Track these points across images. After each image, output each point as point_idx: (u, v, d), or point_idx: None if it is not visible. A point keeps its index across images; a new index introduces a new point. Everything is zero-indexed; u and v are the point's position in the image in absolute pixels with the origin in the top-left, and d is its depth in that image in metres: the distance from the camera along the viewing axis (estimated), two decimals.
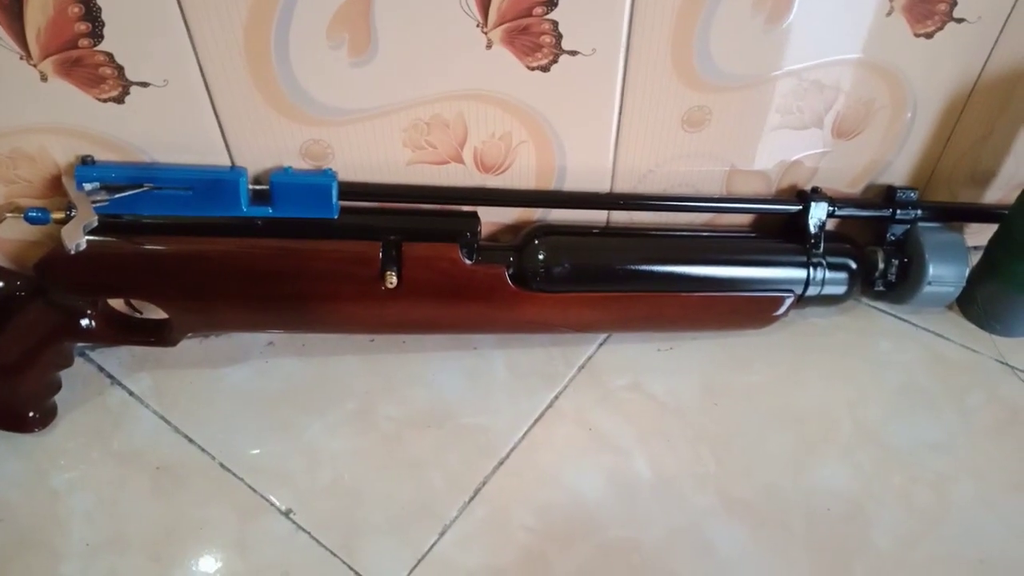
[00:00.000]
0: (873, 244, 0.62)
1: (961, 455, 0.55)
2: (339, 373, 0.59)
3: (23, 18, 0.43)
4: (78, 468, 0.53)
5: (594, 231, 0.60)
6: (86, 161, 0.50)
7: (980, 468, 0.54)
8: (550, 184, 0.57)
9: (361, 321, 0.56)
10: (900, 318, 0.64)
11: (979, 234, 0.63)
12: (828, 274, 0.59)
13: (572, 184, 0.57)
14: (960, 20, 0.53)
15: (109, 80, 0.47)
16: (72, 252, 0.45)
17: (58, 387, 0.55)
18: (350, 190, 0.53)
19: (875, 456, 0.54)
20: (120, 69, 0.46)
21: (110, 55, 0.46)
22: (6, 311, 0.52)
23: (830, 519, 0.51)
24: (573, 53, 0.50)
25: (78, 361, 0.57)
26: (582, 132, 0.54)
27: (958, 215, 0.63)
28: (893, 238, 0.61)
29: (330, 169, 0.53)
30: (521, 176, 0.56)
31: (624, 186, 0.58)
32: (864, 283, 0.62)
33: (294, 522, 0.50)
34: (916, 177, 0.63)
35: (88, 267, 0.50)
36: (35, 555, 0.48)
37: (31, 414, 0.54)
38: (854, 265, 0.60)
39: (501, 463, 0.54)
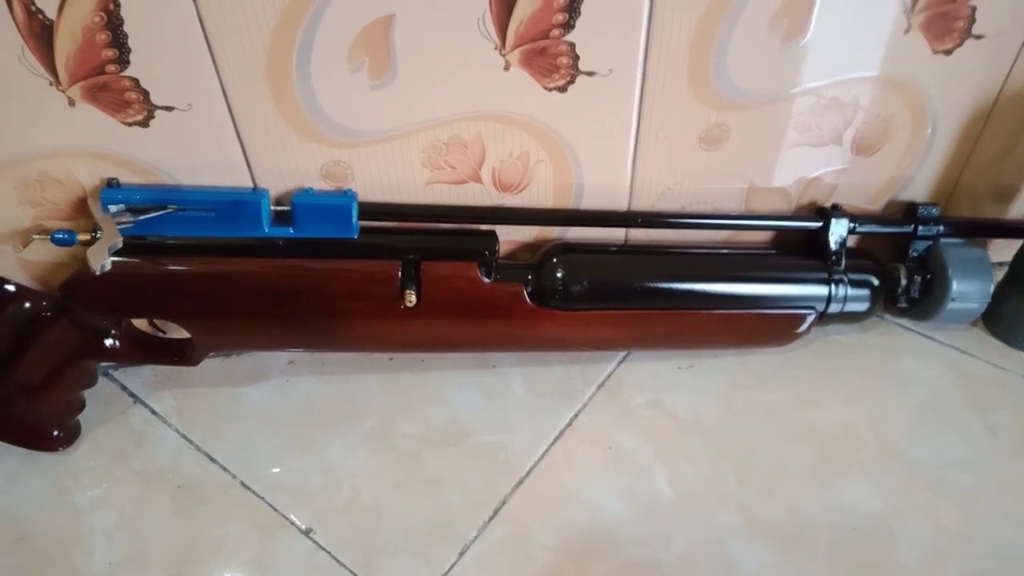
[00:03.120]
0: (895, 260, 0.61)
1: (987, 472, 0.54)
2: (359, 391, 0.59)
3: (53, 46, 0.44)
4: (100, 486, 0.53)
5: (612, 249, 0.60)
6: (111, 184, 0.50)
7: (1008, 485, 0.53)
8: (568, 202, 0.58)
9: (381, 339, 0.56)
10: (924, 335, 0.63)
11: (1004, 250, 0.63)
12: (850, 291, 0.58)
13: (590, 202, 0.58)
14: (979, 36, 0.53)
15: (134, 104, 0.48)
16: (97, 273, 0.46)
17: (82, 406, 0.56)
18: (370, 210, 0.53)
19: (900, 473, 0.54)
20: (145, 94, 0.47)
21: (136, 80, 0.47)
22: (32, 331, 0.52)
23: (854, 537, 0.50)
24: (590, 74, 0.50)
25: (101, 380, 0.58)
26: (599, 151, 0.55)
27: (981, 231, 0.63)
28: (916, 254, 0.61)
29: (350, 190, 0.53)
30: (539, 195, 0.57)
31: (642, 204, 0.58)
32: (887, 300, 0.61)
33: (314, 541, 0.50)
34: (938, 193, 0.62)
35: (112, 288, 0.51)
36: (57, 573, 0.49)
37: (55, 433, 0.55)
38: (876, 282, 0.59)
39: (520, 482, 0.53)
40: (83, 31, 0.44)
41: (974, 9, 0.51)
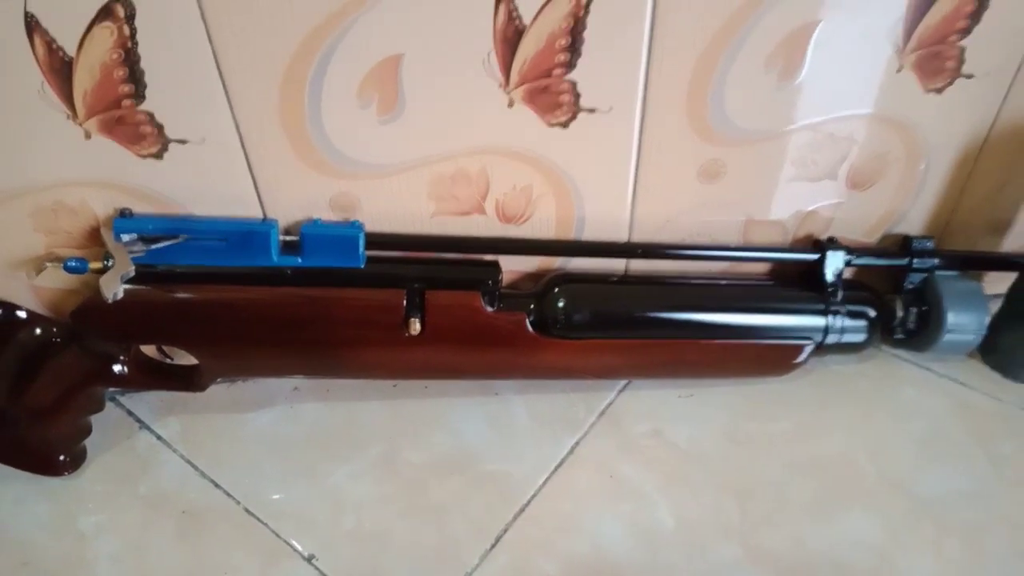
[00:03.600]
0: (892, 292, 0.62)
1: (993, 505, 0.54)
2: (363, 418, 0.59)
3: (72, 81, 0.46)
4: (105, 511, 0.53)
5: (613, 279, 0.61)
6: (124, 214, 0.52)
7: (1013, 518, 0.53)
8: (570, 234, 0.59)
9: (385, 366, 0.57)
10: (922, 366, 0.64)
11: (998, 282, 0.63)
12: (847, 322, 0.59)
13: (591, 234, 0.59)
14: (969, 76, 0.54)
15: (149, 137, 0.49)
16: (110, 301, 0.47)
17: (88, 431, 0.56)
18: (376, 240, 0.54)
19: (902, 506, 0.54)
20: (160, 127, 0.49)
21: (151, 114, 0.48)
22: (42, 357, 0.53)
23: (857, 571, 0.50)
24: (591, 110, 0.51)
25: (109, 406, 0.58)
26: (600, 184, 0.56)
27: (976, 263, 0.63)
28: (911, 286, 0.61)
29: (357, 221, 0.55)
30: (541, 226, 0.58)
31: (642, 235, 0.59)
32: (884, 331, 0.62)
33: (317, 568, 0.50)
34: (932, 226, 0.63)
35: (123, 315, 0.51)
36: None
37: (61, 457, 0.55)
38: (873, 313, 0.60)
39: (522, 510, 0.54)
40: (101, 67, 0.45)
41: (963, 50, 0.53)
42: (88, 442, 0.57)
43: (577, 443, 0.58)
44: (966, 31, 0.52)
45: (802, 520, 0.53)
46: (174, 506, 0.54)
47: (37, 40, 0.44)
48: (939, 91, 0.55)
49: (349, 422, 0.59)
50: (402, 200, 0.55)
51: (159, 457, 0.57)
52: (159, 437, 0.58)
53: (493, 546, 0.51)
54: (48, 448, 0.55)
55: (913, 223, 0.63)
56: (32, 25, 0.43)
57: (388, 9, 0.46)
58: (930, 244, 0.61)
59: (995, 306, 0.62)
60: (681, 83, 0.51)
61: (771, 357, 0.59)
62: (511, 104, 0.50)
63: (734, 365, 0.60)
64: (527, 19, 0.47)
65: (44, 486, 0.55)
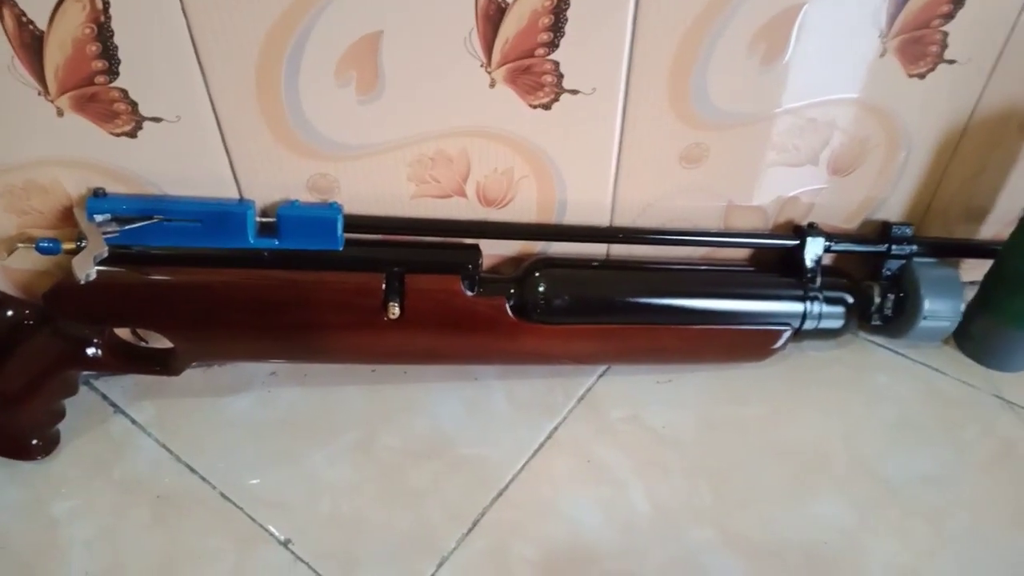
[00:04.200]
0: (869, 279, 0.63)
1: (957, 489, 0.55)
2: (340, 403, 0.59)
3: (43, 56, 0.45)
4: (79, 496, 0.53)
5: (594, 264, 0.61)
6: (98, 193, 0.51)
7: (976, 502, 0.54)
8: (551, 218, 0.58)
9: (364, 351, 0.57)
10: (897, 352, 0.65)
11: (974, 270, 0.64)
12: (825, 308, 0.59)
13: (572, 218, 0.58)
14: (951, 61, 0.54)
15: (123, 115, 0.48)
16: (82, 282, 0.46)
17: (62, 415, 0.56)
18: (355, 223, 0.54)
19: (871, 489, 0.55)
20: (134, 105, 0.48)
21: (125, 91, 0.47)
22: (14, 339, 0.52)
23: (826, 552, 0.51)
24: (574, 92, 0.51)
25: (82, 389, 0.58)
26: (582, 168, 0.56)
27: (953, 251, 0.64)
28: (889, 273, 0.62)
29: (336, 202, 0.54)
30: (522, 210, 0.57)
31: (624, 220, 0.59)
32: (861, 317, 0.63)
33: (293, 552, 0.50)
34: (911, 213, 0.64)
35: (96, 297, 0.51)
36: None
37: (34, 442, 0.54)
38: (851, 299, 0.61)
39: (500, 494, 0.54)
40: (73, 42, 0.44)
41: (946, 35, 0.53)
42: (62, 426, 0.56)
43: (555, 428, 0.58)
44: (949, 16, 0.52)
45: (774, 503, 0.54)
46: (149, 491, 0.53)
47: (6, 13, 0.43)
48: (921, 76, 0.55)
49: (326, 407, 0.59)
50: (381, 182, 0.54)
51: (134, 441, 0.56)
52: (134, 421, 0.58)
53: (470, 530, 0.52)
54: (21, 432, 0.54)
55: (893, 210, 0.63)
56: None
57: None
58: (909, 231, 0.61)
59: (971, 293, 0.63)
60: (665, 64, 0.51)
61: (749, 343, 0.59)
62: (493, 84, 0.50)
63: (713, 350, 0.60)
64: None
65: (16, 470, 0.54)
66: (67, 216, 0.52)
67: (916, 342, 0.63)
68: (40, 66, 0.45)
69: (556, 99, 0.51)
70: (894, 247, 0.61)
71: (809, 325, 0.59)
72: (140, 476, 0.54)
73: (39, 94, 0.46)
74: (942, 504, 0.54)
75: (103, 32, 0.44)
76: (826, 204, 0.61)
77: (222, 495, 0.53)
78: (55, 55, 0.45)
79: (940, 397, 0.61)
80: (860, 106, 0.56)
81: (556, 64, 0.50)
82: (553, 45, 0.49)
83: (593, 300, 0.57)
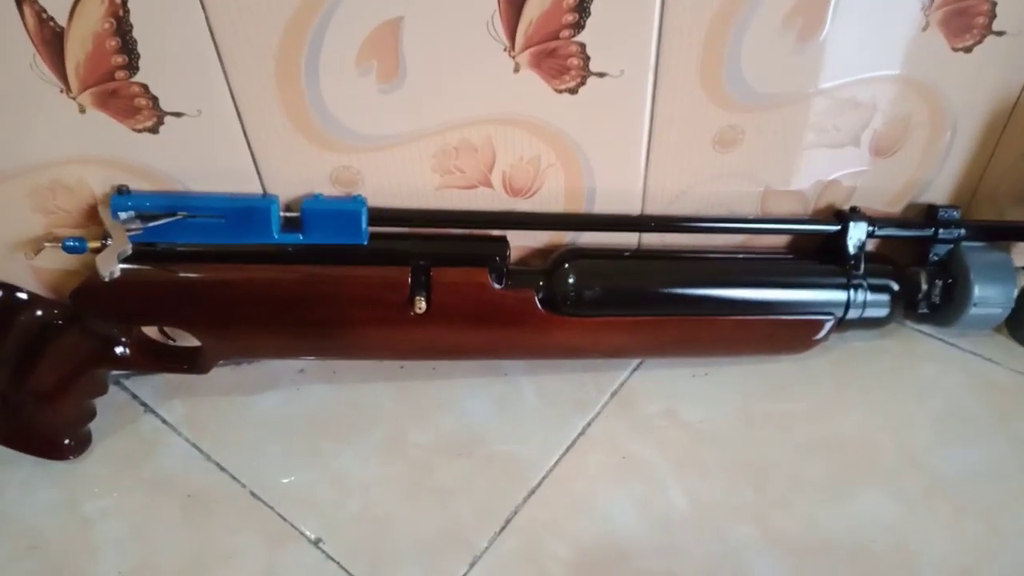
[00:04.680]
0: (915, 265, 0.60)
1: (1013, 484, 0.52)
2: (369, 400, 0.59)
3: (64, 53, 0.45)
4: (111, 495, 0.53)
5: (625, 254, 0.59)
6: (121, 191, 0.51)
7: None
8: (580, 207, 0.57)
9: (391, 346, 0.56)
10: (946, 341, 0.62)
11: None
12: (869, 296, 0.57)
13: (602, 207, 0.57)
14: (1000, 33, 0.52)
15: (144, 111, 0.48)
16: (107, 280, 0.46)
17: (93, 414, 0.56)
18: (379, 216, 0.53)
19: (921, 485, 0.52)
20: (155, 100, 0.47)
21: (145, 86, 0.47)
22: (43, 339, 0.53)
23: (874, 551, 0.49)
24: (601, 75, 0.50)
25: (112, 389, 0.58)
26: (611, 154, 0.54)
27: (1004, 234, 0.61)
28: (936, 258, 0.60)
29: (360, 196, 0.53)
30: (550, 199, 0.56)
31: (655, 208, 0.58)
32: (907, 305, 0.60)
33: (323, 551, 0.50)
34: (959, 195, 0.61)
35: (123, 295, 0.51)
36: None
37: (66, 441, 0.55)
38: (896, 287, 0.58)
39: (532, 492, 0.53)
40: (93, 38, 0.44)
41: (994, 4, 0.50)
42: (93, 425, 0.56)
43: (588, 424, 0.57)
44: None
45: (818, 500, 0.52)
46: (179, 489, 0.53)
47: (27, 10, 0.43)
48: (967, 50, 0.52)
49: (355, 404, 0.58)
50: (405, 173, 0.53)
51: (164, 440, 0.56)
52: (164, 420, 0.58)
53: (502, 529, 0.50)
54: (53, 432, 0.54)
55: (939, 192, 0.61)
56: None
57: None
58: (956, 214, 0.59)
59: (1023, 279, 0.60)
60: (696, 44, 0.49)
61: (790, 333, 0.57)
62: (517, 69, 0.49)
63: (751, 342, 0.58)
64: None
65: (50, 470, 0.54)
66: (93, 214, 0.52)
67: (966, 330, 0.61)
68: (61, 63, 0.45)
69: (583, 83, 0.50)
70: (941, 231, 0.59)
71: (853, 314, 0.57)
72: (170, 475, 0.54)
73: (61, 91, 0.46)
74: (998, 500, 0.51)
75: (122, 26, 0.44)
76: (868, 187, 0.59)
77: (252, 494, 0.53)
78: (76, 51, 0.45)
79: (992, 388, 0.59)
80: (902, 83, 0.54)
81: (582, 46, 0.48)
82: (579, 26, 0.47)
83: (625, 291, 0.56)
